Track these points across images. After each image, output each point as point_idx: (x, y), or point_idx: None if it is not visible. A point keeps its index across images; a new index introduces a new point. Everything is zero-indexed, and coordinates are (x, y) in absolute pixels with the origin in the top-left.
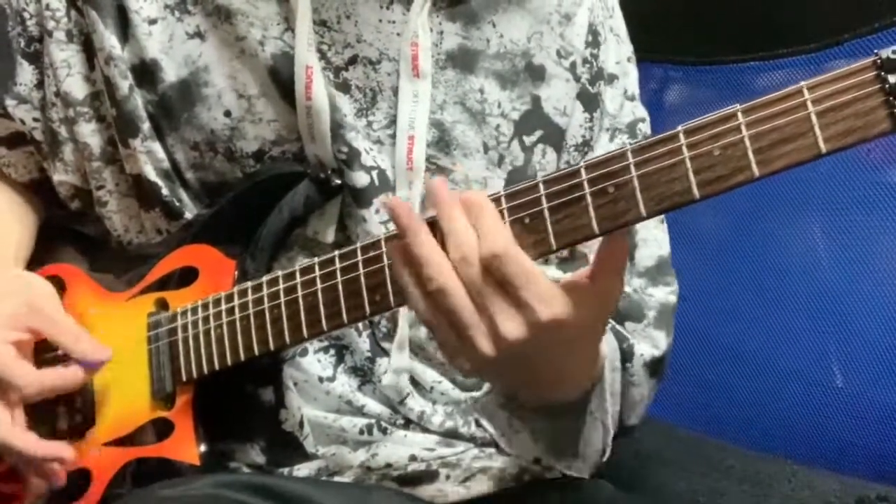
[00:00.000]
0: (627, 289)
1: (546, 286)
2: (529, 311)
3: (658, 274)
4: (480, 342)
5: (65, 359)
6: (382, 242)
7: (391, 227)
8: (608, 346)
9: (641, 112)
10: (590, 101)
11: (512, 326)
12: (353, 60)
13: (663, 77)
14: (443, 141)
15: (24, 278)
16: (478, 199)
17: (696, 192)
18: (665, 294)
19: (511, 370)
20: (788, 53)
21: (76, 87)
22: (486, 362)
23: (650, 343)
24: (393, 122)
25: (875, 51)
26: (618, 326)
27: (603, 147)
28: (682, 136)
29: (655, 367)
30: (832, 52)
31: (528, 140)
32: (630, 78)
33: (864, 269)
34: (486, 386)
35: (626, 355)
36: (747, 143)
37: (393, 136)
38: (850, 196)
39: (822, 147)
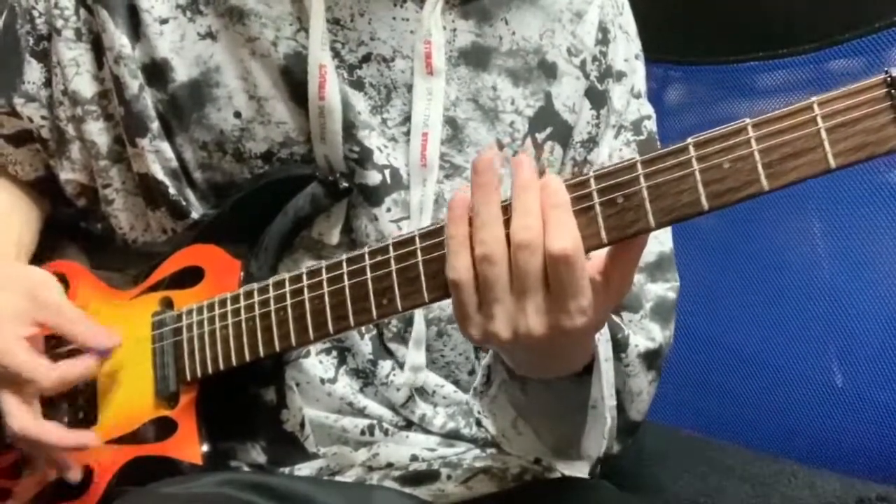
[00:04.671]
0: None
1: (589, 299)
2: (565, 318)
3: (657, 270)
4: (499, 323)
5: (77, 352)
6: (391, 247)
7: (403, 226)
8: (603, 338)
9: (647, 109)
10: (597, 99)
11: (539, 324)
12: (366, 58)
13: (663, 77)
14: (456, 138)
15: (25, 271)
16: (560, 190)
17: (705, 205)
18: (664, 289)
19: (514, 352)
20: (788, 53)
21: (84, 85)
22: (495, 341)
23: (645, 335)
24: (407, 119)
25: (885, 69)
26: (614, 316)
27: (608, 143)
28: (691, 148)
29: (651, 359)
30: (832, 52)
31: (539, 137)
32: (638, 75)
33: (864, 270)
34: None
35: (621, 346)
36: (757, 156)
37: (407, 134)
38: (851, 196)
39: (832, 162)
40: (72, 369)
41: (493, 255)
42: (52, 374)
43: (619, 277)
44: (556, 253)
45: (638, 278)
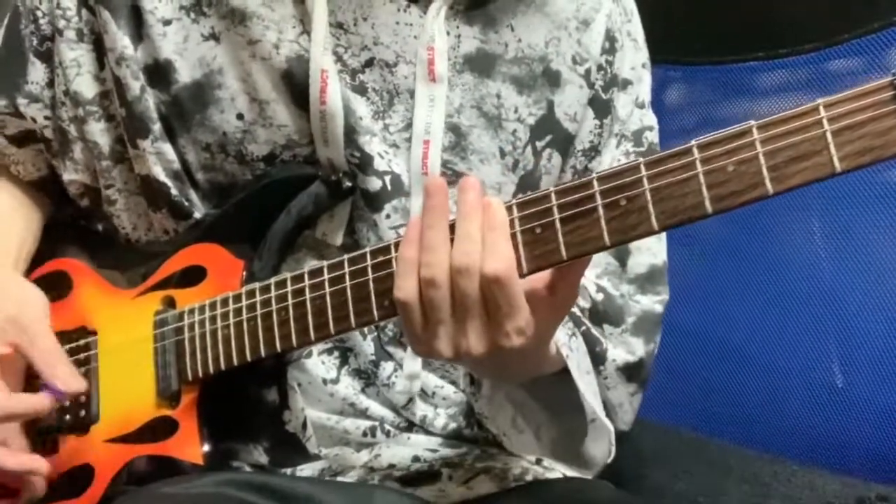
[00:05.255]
0: (614, 292)
1: (526, 318)
2: (503, 337)
3: (648, 282)
4: (442, 343)
5: None
6: (392, 248)
7: (402, 232)
8: (577, 352)
9: (650, 120)
10: (601, 108)
11: (478, 343)
12: (369, 63)
13: (663, 77)
14: (459, 146)
15: (17, 287)
16: (498, 213)
17: (708, 208)
18: (651, 302)
19: (463, 366)
20: (788, 53)
21: (86, 86)
22: (439, 358)
23: (625, 349)
24: (409, 125)
25: (893, 71)
26: (593, 329)
27: (610, 152)
28: (695, 150)
29: (630, 371)
30: (832, 52)
31: (539, 145)
32: (643, 84)
33: (864, 269)
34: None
35: (599, 359)
36: (762, 159)
37: (408, 140)
38: (851, 196)
39: (837, 166)
40: (21, 405)
41: (436, 278)
42: (2, 405)
43: (565, 290)
44: (488, 275)
45: (627, 289)
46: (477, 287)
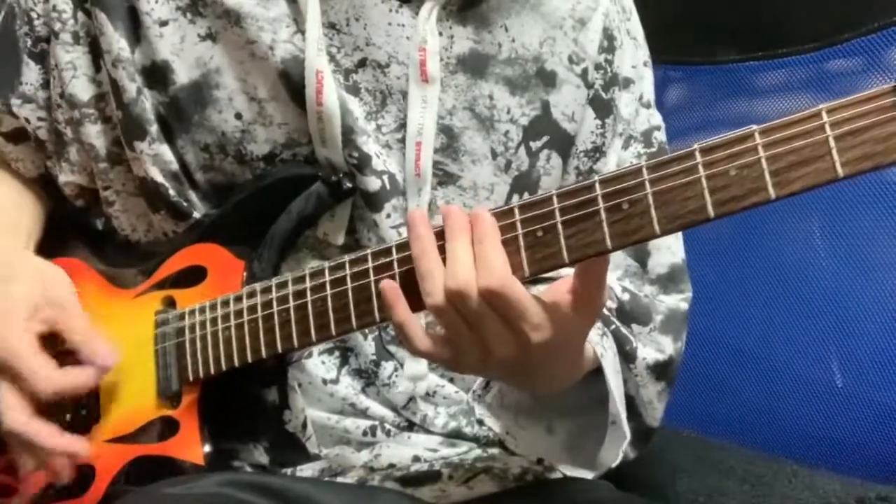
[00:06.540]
0: (638, 292)
1: (538, 315)
2: (522, 337)
3: (670, 282)
4: (468, 355)
5: (71, 352)
6: (394, 249)
7: (403, 231)
8: (609, 351)
9: (657, 120)
10: (602, 108)
11: (502, 348)
12: (362, 63)
13: (663, 77)
14: (451, 147)
15: (40, 265)
16: (485, 222)
17: (711, 212)
18: (676, 301)
19: (500, 376)
20: (788, 53)
21: (81, 88)
22: (474, 371)
23: (655, 347)
24: (402, 126)
25: None
26: (623, 328)
27: (616, 152)
28: (698, 154)
29: (660, 370)
30: (832, 52)
31: (534, 145)
32: (646, 82)
33: (864, 270)
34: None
35: (629, 357)
36: (764, 164)
37: (401, 141)
38: (851, 195)
39: (840, 171)
40: (72, 381)
41: (439, 303)
42: (51, 383)
43: (586, 292)
44: (482, 290)
45: (651, 290)
46: (479, 302)
